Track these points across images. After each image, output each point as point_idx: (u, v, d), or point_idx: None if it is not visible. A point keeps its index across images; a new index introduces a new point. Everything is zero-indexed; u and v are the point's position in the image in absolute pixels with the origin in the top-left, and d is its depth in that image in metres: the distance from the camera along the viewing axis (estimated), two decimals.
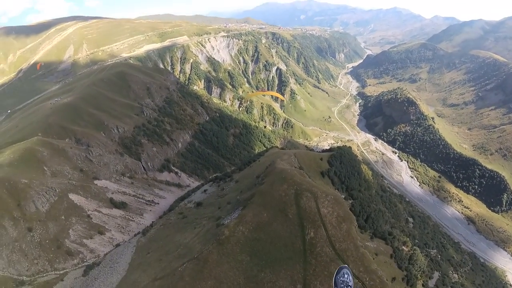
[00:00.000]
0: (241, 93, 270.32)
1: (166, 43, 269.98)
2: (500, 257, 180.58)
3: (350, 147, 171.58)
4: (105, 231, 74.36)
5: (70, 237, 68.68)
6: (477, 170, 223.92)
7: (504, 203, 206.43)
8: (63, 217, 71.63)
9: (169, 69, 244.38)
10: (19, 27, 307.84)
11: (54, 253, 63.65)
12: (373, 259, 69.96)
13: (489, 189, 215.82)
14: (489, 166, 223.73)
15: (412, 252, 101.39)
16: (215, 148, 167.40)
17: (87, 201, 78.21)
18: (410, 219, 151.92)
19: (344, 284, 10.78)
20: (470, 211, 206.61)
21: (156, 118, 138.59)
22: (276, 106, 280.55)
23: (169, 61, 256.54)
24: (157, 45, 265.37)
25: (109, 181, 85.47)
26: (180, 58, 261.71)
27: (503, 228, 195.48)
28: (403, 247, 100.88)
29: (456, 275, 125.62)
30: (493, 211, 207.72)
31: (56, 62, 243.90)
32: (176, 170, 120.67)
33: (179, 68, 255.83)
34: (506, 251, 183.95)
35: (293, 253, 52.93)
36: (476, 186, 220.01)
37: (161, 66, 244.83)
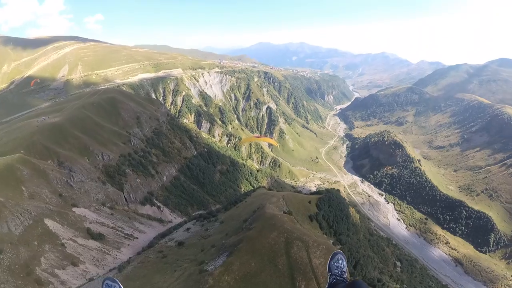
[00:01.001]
0: (230, 129, 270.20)
1: (160, 73, 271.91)
2: None
3: (338, 190, 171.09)
4: (79, 262, 69.06)
5: (42, 265, 63.30)
6: (463, 211, 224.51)
7: (492, 243, 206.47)
8: (36, 243, 66.50)
9: (161, 99, 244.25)
10: (17, 39, 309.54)
11: (23, 279, 58.25)
12: None
13: (476, 230, 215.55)
14: (476, 207, 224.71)
15: None
16: (200, 184, 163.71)
17: (63, 228, 73.38)
18: (398, 263, 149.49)
19: (339, 269, 10.59)
20: (457, 252, 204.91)
21: (143, 149, 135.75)
22: (264, 144, 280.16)
23: (161, 91, 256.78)
24: (151, 75, 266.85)
25: (88, 209, 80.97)
26: (173, 90, 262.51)
27: (491, 268, 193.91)
28: None
29: None
30: (481, 251, 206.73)
31: (49, 79, 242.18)
32: (159, 204, 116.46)
33: (170, 100, 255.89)
34: None
35: None
36: (463, 227, 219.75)
37: (153, 96, 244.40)
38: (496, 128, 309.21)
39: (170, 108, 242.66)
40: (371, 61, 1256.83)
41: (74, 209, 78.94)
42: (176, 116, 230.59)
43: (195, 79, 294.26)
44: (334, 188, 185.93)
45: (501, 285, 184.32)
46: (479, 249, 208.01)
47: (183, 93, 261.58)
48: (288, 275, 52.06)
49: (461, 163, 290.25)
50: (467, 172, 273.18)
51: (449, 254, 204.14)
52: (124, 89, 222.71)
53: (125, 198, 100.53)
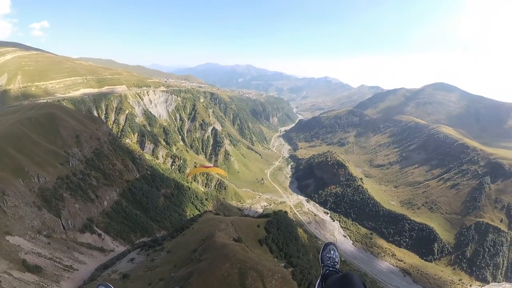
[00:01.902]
0: (175, 150, 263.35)
1: (104, 89, 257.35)
2: None
3: (286, 212, 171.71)
4: None
5: None
6: (406, 224, 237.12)
7: (436, 252, 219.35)
8: None
9: (103, 117, 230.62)
10: None
11: None
12: None
13: (420, 241, 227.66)
14: (418, 219, 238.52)
15: None
16: (144, 209, 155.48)
17: None
18: None
19: (331, 260, 10.61)
20: (404, 263, 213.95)
21: (82, 171, 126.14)
22: (210, 166, 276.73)
23: (104, 109, 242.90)
24: (94, 90, 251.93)
25: (23, 238, 71.91)
26: (116, 108, 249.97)
27: (438, 275, 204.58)
28: None
29: None
30: (426, 260, 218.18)
31: None
32: (99, 232, 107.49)
33: (113, 118, 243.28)
34: None
35: None
36: (407, 239, 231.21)
37: (95, 113, 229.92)
38: (432, 146, 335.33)
39: (112, 127, 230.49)
40: (314, 84, 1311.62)
41: (7, 237, 69.74)
42: (119, 135, 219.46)
43: (140, 97, 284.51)
44: (281, 210, 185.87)
45: None
46: (424, 258, 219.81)
47: (127, 112, 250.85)
48: None
49: (401, 179, 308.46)
50: (407, 187, 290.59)
51: (397, 266, 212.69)
52: (64, 104, 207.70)
53: (63, 226, 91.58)
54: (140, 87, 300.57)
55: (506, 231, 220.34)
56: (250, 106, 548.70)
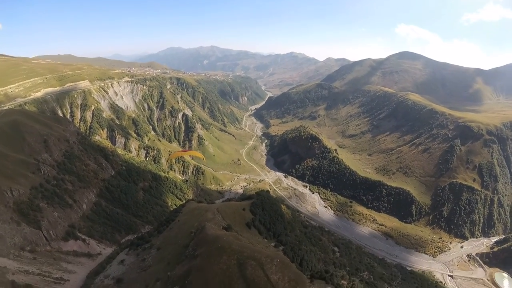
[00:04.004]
0: (147, 141, 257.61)
1: (66, 87, 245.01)
2: (423, 261, 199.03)
3: (268, 191, 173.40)
4: None
5: None
6: (383, 189, 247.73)
7: (414, 214, 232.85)
8: None
9: (68, 116, 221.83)
10: None
11: None
12: None
13: (398, 204, 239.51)
14: (394, 184, 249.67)
15: (351, 283, 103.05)
16: (124, 206, 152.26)
17: None
18: (336, 249, 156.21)
19: None
20: (385, 227, 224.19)
21: (55, 177, 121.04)
22: (187, 150, 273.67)
23: (68, 107, 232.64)
24: (56, 89, 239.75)
25: (7, 258, 68.25)
26: (81, 105, 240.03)
27: (418, 235, 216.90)
28: (342, 281, 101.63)
29: None
30: (406, 222, 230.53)
31: None
32: (83, 237, 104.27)
33: (79, 116, 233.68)
34: (426, 254, 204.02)
35: None
36: (386, 204, 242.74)
37: (60, 113, 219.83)
38: (401, 114, 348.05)
39: (79, 125, 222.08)
40: (280, 61, 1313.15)
41: None
42: (87, 133, 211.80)
43: (104, 90, 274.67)
44: (262, 189, 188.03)
45: (431, 248, 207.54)
46: (404, 220, 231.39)
47: (93, 107, 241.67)
48: None
49: (374, 147, 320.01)
50: (380, 155, 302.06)
51: (378, 230, 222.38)
52: (27, 108, 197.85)
53: (45, 237, 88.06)
54: (104, 80, 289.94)
55: (480, 189, 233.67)
56: (218, 87, 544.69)
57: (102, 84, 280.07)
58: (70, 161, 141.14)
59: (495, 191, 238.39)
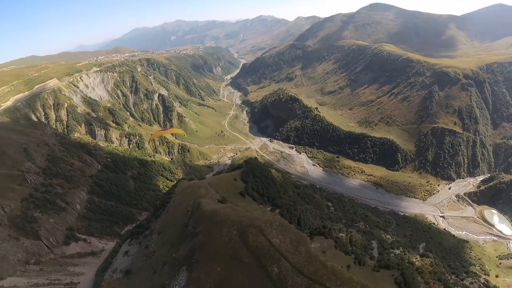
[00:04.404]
0: (127, 129, 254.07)
1: (35, 90, 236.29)
2: (414, 205, 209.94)
3: (256, 158, 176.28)
4: None
5: None
6: (368, 141, 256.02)
7: (400, 161, 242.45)
8: None
9: (43, 119, 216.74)
10: None
11: None
12: (323, 255, 71.31)
13: (384, 154, 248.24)
14: (377, 135, 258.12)
15: (349, 235, 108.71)
16: (117, 197, 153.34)
17: None
18: (330, 204, 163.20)
19: None
20: (374, 177, 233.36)
21: (43, 183, 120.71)
22: (167, 134, 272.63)
23: (41, 110, 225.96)
24: (26, 94, 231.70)
25: (15, 276, 69.66)
26: (53, 105, 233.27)
27: (406, 181, 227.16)
28: (341, 233, 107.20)
29: (388, 236, 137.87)
30: (393, 170, 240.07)
31: None
32: (83, 237, 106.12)
33: (54, 116, 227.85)
34: (416, 198, 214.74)
35: None
36: (372, 155, 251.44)
37: (34, 117, 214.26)
38: (378, 65, 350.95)
39: (56, 126, 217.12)
40: (249, 26, 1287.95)
41: (0, 283, 68.77)
42: (66, 133, 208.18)
43: (75, 85, 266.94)
44: (249, 157, 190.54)
45: (420, 192, 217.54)
46: (391, 169, 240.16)
47: (66, 105, 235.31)
48: (257, 265, 52.69)
49: (354, 101, 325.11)
50: (361, 107, 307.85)
51: (368, 181, 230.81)
52: None
53: (46, 246, 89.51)
54: (72, 74, 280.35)
55: (461, 132, 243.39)
56: (190, 62, 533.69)
57: (71, 79, 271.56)
58: (54, 165, 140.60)
59: (477, 133, 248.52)
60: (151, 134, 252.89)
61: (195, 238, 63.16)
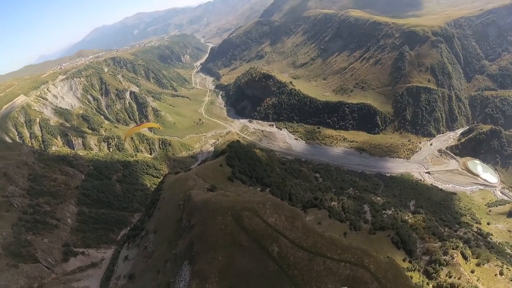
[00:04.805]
0: (104, 133, 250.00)
1: (3, 110, 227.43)
2: (399, 164, 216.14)
3: (238, 141, 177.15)
4: None
5: None
6: (346, 109, 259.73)
7: (380, 124, 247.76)
8: None
9: (17, 139, 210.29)
10: None
11: None
12: (319, 226, 73.54)
13: (363, 119, 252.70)
14: (354, 101, 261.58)
15: (341, 202, 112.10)
16: (106, 204, 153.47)
17: None
18: (317, 175, 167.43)
19: None
20: (356, 142, 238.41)
21: (30, 204, 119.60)
22: (145, 131, 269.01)
23: (14, 130, 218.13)
24: None
25: None
26: (25, 122, 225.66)
27: (388, 143, 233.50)
28: (333, 202, 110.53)
29: (379, 198, 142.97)
30: (374, 133, 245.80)
31: None
32: (81, 250, 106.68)
33: (28, 134, 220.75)
34: (400, 158, 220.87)
35: (273, 278, 50.60)
36: (352, 121, 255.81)
37: (8, 139, 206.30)
38: (346, 32, 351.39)
39: (31, 143, 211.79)
40: (212, 8, 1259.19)
41: None
42: (43, 148, 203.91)
43: (43, 98, 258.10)
44: (232, 140, 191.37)
45: (403, 151, 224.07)
46: (372, 132, 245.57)
47: (38, 120, 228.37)
48: (257, 247, 54.08)
49: (327, 70, 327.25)
50: (335, 76, 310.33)
51: (351, 147, 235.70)
52: None
53: (46, 267, 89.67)
54: (38, 87, 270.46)
55: (436, 88, 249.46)
56: (156, 54, 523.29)
57: (39, 93, 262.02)
58: (37, 183, 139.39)
59: (451, 88, 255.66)
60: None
61: (191, 230, 63.79)
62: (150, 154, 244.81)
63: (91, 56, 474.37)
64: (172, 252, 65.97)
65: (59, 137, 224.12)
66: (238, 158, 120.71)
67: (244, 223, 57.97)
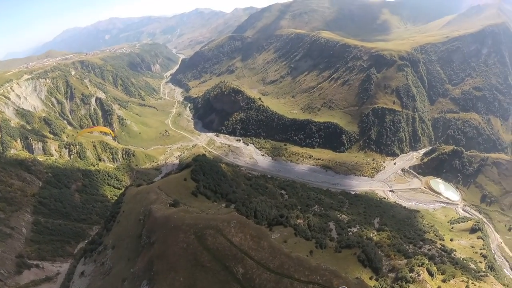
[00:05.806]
0: (66, 138, 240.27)
1: None
2: (364, 183, 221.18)
3: (204, 155, 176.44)
4: None
5: None
6: (312, 127, 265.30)
7: (346, 143, 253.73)
8: None
9: None
10: None
11: None
12: (285, 245, 72.74)
13: (329, 137, 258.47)
14: (321, 120, 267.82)
15: (307, 220, 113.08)
16: (64, 215, 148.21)
17: None
18: (283, 192, 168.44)
19: None
20: (322, 160, 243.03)
21: None
22: (109, 139, 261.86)
23: None
24: None
25: None
26: None
27: (353, 161, 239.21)
28: (298, 220, 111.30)
29: (344, 215, 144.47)
30: (340, 152, 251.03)
31: None
32: (35, 263, 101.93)
33: None
34: (365, 176, 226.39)
35: None
36: (318, 139, 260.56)
37: None
38: (316, 52, 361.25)
39: None
40: (186, 20, 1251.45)
41: None
42: (1, 151, 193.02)
43: (6, 97, 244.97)
44: (198, 154, 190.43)
45: (368, 170, 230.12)
46: (338, 151, 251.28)
47: None
48: (221, 268, 52.61)
49: (296, 88, 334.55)
50: (303, 94, 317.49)
51: (316, 165, 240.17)
52: None
53: None
54: (1, 85, 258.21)
55: (401, 109, 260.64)
56: (126, 61, 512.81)
57: (1, 91, 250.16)
58: None
59: (415, 109, 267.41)
60: (92, 141, 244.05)
61: (151, 248, 62.00)
62: (113, 164, 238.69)
63: (59, 58, 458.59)
64: (130, 270, 63.50)
65: (19, 140, 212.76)
66: (203, 173, 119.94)
67: (207, 242, 56.57)
